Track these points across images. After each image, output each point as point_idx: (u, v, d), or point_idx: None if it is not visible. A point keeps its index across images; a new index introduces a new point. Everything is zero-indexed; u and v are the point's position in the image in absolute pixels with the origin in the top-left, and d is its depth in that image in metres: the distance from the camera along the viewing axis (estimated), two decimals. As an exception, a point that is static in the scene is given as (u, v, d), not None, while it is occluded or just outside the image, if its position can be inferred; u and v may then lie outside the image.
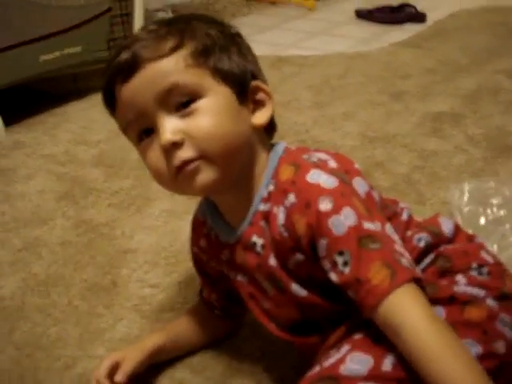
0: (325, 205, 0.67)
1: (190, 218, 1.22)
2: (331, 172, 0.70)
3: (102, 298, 1.05)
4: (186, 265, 1.09)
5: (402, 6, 2.84)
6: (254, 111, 0.74)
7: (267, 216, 0.73)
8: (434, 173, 1.38)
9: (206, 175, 0.70)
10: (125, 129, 0.74)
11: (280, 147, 0.77)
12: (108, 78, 0.73)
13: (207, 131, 0.69)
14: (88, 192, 1.38)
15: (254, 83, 0.74)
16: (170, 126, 0.69)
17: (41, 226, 1.27)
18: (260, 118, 0.75)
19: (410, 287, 0.65)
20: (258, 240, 0.75)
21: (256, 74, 0.76)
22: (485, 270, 0.76)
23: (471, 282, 0.73)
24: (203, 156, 0.69)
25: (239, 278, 0.81)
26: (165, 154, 0.69)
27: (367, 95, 1.85)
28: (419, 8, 2.84)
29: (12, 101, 1.83)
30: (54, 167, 1.51)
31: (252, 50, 0.79)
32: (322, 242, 0.67)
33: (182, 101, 0.69)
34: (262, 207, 0.74)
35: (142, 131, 0.72)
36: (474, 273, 0.75)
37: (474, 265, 0.76)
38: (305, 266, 0.72)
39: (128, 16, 2.00)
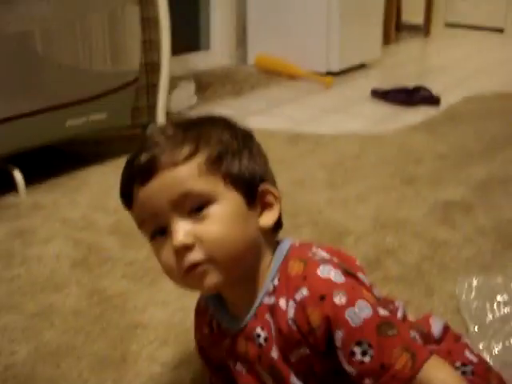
0: (339, 298, 0.70)
1: (202, 295, 1.26)
2: (338, 265, 0.75)
3: (111, 373, 1.06)
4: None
5: (418, 89, 2.92)
6: (261, 213, 0.78)
7: (272, 309, 0.77)
8: (442, 264, 1.40)
9: (213, 278, 0.74)
10: (140, 225, 0.78)
11: (286, 244, 0.81)
12: (126, 178, 0.78)
13: (217, 237, 0.73)
14: (103, 260, 1.41)
15: (263, 187, 0.78)
16: (183, 230, 0.73)
17: (55, 292, 1.29)
18: (267, 220, 0.78)
19: (431, 360, 0.70)
20: (261, 332, 0.78)
21: (265, 177, 0.80)
22: (469, 368, 0.81)
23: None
24: (211, 260, 0.73)
25: (238, 367, 0.83)
26: (176, 255, 0.73)
27: (380, 178, 1.90)
28: (434, 91, 2.92)
29: (33, 159, 1.88)
30: (71, 232, 1.54)
31: (262, 150, 0.84)
32: (339, 334, 0.70)
33: (194, 206, 0.73)
34: (267, 300, 0.77)
35: (156, 230, 0.76)
36: (458, 372, 0.78)
37: (458, 364, 0.81)
38: (307, 360, 0.75)
39: (153, 86, 2.08)
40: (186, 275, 0.74)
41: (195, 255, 0.73)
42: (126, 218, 1.59)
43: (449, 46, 4.78)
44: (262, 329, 0.77)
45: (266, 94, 3.01)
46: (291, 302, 0.74)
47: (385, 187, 1.83)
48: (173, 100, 2.50)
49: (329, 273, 0.73)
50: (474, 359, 0.83)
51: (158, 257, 0.77)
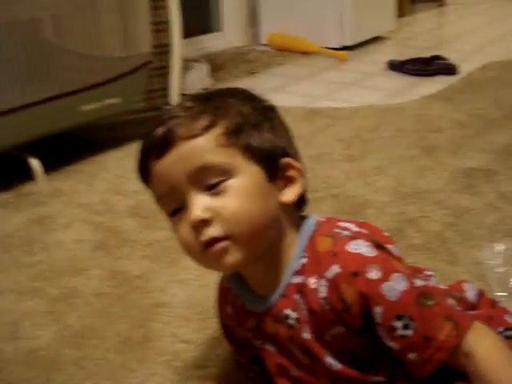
0: (374, 273, 0.68)
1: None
2: (368, 238, 0.73)
3: (135, 352, 1.06)
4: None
5: (434, 58, 2.87)
6: (283, 188, 0.75)
7: (302, 289, 0.74)
8: (466, 231, 1.38)
9: (233, 256, 0.71)
10: (158, 200, 0.76)
11: (311, 221, 0.78)
12: (143, 152, 0.76)
13: (235, 212, 0.70)
14: (123, 243, 1.41)
15: (285, 160, 0.75)
16: (200, 204, 0.71)
17: (76, 276, 1.29)
18: (289, 195, 0.75)
19: (473, 328, 0.69)
20: (291, 313, 0.75)
21: (287, 151, 0.77)
22: (511, 332, 0.78)
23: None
24: (230, 236, 0.70)
25: (268, 347, 0.81)
26: (194, 230, 0.71)
27: (399, 149, 1.87)
28: (451, 60, 2.87)
29: (50, 147, 1.88)
30: (91, 216, 1.54)
31: (285, 124, 0.81)
32: (377, 310, 0.68)
33: (213, 179, 0.71)
34: (295, 280, 0.75)
35: (175, 209, 0.74)
36: (501, 337, 0.76)
37: (501, 329, 0.78)
38: (343, 339, 0.72)
39: (166, 68, 2.06)
40: (205, 252, 0.71)
41: (213, 230, 0.70)
42: (145, 200, 1.60)
43: (464, 15, 4.70)
44: (292, 310, 0.75)
45: (281, 72, 2.98)
46: (322, 281, 0.71)
47: (404, 158, 1.80)
48: (186, 82, 2.48)
49: (359, 247, 0.70)
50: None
51: (176, 233, 0.75)
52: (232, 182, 0.71)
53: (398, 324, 0.67)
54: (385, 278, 0.68)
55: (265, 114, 0.77)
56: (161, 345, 1.08)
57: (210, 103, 0.75)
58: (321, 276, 0.72)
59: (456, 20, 4.56)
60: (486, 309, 0.83)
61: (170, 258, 1.33)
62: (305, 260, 0.74)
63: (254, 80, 2.84)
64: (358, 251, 0.70)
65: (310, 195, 1.56)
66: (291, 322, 0.75)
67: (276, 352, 0.80)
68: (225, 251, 0.71)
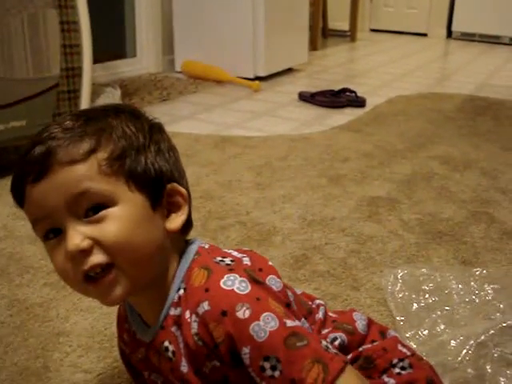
0: (242, 312, 0.66)
1: (127, 299, 1.23)
2: (245, 273, 0.71)
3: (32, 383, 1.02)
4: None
5: (343, 91, 2.96)
6: (168, 214, 0.73)
7: (178, 321, 0.72)
8: (369, 257, 1.42)
9: (116, 288, 0.69)
10: (32, 223, 0.71)
11: (193, 248, 0.76)
12: (18, 173, 0.70)
13: (116, 239, 0.67)
14: (24, 270, 1.36)
15: (170, 186, 0.73)
16: (78, 233, 0.67)
17: (-27, 304, 1.24)
18: (174, 222, 0.73)
19: (345, 373, 0.65)
20: (169, 346, 0.74)
21: (173, 175, 0.75)
22: (406, 363, 0.78)
23: (400, 381, 0.75)
24: (114, 263, 0.68)
25: (153, 377, 0.80)
26: (71, 260, 0.68)
27: (307, 178, 1.91)
28: (359, 93, 2.97)
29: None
30: (-9, 242, 1.48)
31: (173, 144, 0.78)
32: (245, 350, 0.66)
33: (92, 207, 0.68)
34: (173, 311, 0.73)
35: (49, 230, 0.70)
36: (397, 369, 0.77)
37: (395, 360, 0.78)
38: (220, 371, 0.71)
39: (75, 92, 2.03)
40: (85, 282, 0.68)
41: (95, 258, 0.67)
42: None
43: (374, 51, 4.90)
44: (170, 342, 0.73)
45: (194, 100, 2.99)
46: (194, 317, 0.69)
47: (311, 186, 1.84)
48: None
49: (233, 283, 0.68)
50: (408, 352, 0.80)
51: (52, 260, 0.71)
52: (113, 210, 0.68)
53: (267, 365, 0.65)
54: (254, 317, 0.66)
55: (151, 135, 0.74)
56: (60, 375, 1.04)
57: (93, 124, 0.70)
58: (193, 311, 0.70)
59: (366, 55, 4.74)
60: (375, 338, 0.82)
61: (73, 286, 1.29)
62: (182, 292, 0.73)
63: (167, 107, 2.84)
64: (230, 288, 0.68)
65: (218, 222, 1.57)
66: (169, 354, 0.74)
67: (161, 382, 0.79)
68: (111, 282, 0.68)
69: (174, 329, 0.73)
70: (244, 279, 0.69)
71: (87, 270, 0.67)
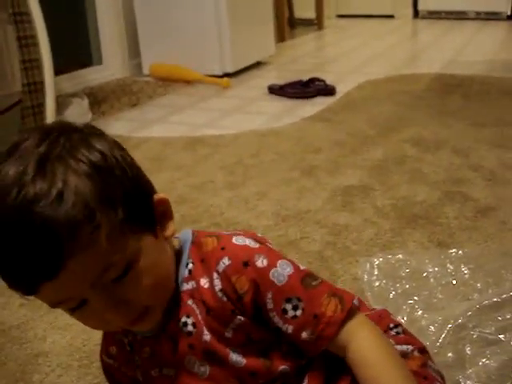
0: (261, 261, 0.71)
1: (103, 314, 1.22)
2: (248, 235, 0.76)
3: (12, 409, 1.01)
4: (100, 365, 1.07)
5: (312, 81, 2.96)
6: (162, 225, 0.73)
7: (193, 293, 0.74)
8: (345, 248, 1.42)
9: (155, 318, 0.73)
10: (52, 306, 0.68)
11: (187, 233, 0.79)
12: (22, 273, 0.62)
13: (150, 292, 0.69)
14: (-1, 292, 1.35)
15: (155, 200, 0.72)
16: (114, 302, 0.66)
17: (-51, 332, 1.22)
18: (169, 229, 0.74)
19: (354, 310, 0.74)
20: (187, 319, 0.75)
21: (149, 186, 0.73)
22: (400, 329, 0.85)
23: (398, 341, 0.81)
24: (149, 306, 0.70)
25: (166, 372, 0.79)
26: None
27: (279, 172, 1.91)
28: (329, 81, 2.97)
29: None
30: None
31: (126, 151, 0.72)
32: (268, 295, 0.71)
33: (117, 275, 0.66)
34: (186, 286, 0.75)
35: (76, 306, 0.67)
36: (393, 332, 0.84)
37: (391, 325, 0.85)
38: (244, 330, 0.73)
39: (40, 107, 2.01)
40: (127, 326, 0.72)
41: (134, 315, 0.69)
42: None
43: (342, 37, 4.90)
44: (188, 316, 0.75)
45: (164, 102, 2.98)
46: (215, 275, 0.72)
47: (285, 181, 1.84)
48: (66, 118, 2.43)
49: (244, 240, 0.74)
50: (398, 321, 0.88)
51: (84, 322, 0.71)
52: (137, 268, 0.67)
53: (288, 306, 0.71)
54: (272, 264, 0.72)
55: (125, 162, 0.68)
56: (40, 397, 1.03)
57: (66, 194, 0.61)
58: (212, 272, 0.73)
59: (334, 42, 4.75)
60: (365, 311, 0.87)
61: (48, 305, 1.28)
62: (191, 266, 0.75)
63: (137, 112, 2.82)
64: (243, 243, 0.73)
65: (192, 225, 1.56)
66: (189, 328, 0.75)
67: (176, 376, 0.78)
68: (149, 319, 0.72)
69: (189, 302, 0.75)
70: (250, 239, 0.75)
71: (131, 321, 0.70)
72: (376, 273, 1.29)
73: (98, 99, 2.97)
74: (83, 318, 0.70)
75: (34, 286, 0.63)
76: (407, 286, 1.24)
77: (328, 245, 1.44)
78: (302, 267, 0.75)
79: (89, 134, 0.69)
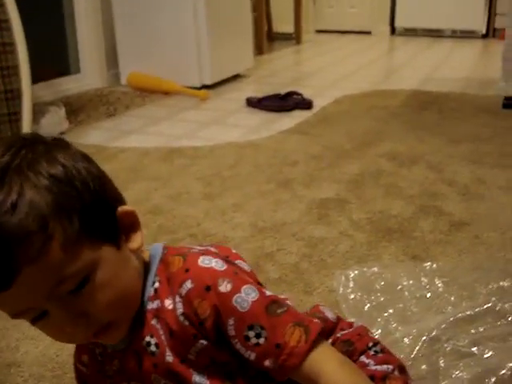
0: (224, 286, 0.70)
1: (77, 324, 1.20)
2: (217, 255, 0.74)
3: (-18, 420, 0.99)
4: (73, 376, 1.05)
5: (290, 94, 2.98)
6: (127, 236, 0.72)
7: (158, 313, 0.74)
8: (321, 260, 1.42)
9: (119, 333, 0.72)
10: (12, 317, 0.68)
11: (158, 248, 0.77)
12: None
13: (110, 306, 0.68)
14: (-29, 301, 1.32)
15: (121, 212, 0.71)
16: (72, 315, 0.66)
17: None
18: (136, 242, 0.73)
19: (320, 340, 0.72)
20: (151, 339, 0.74)
21: (114, 197, 0.72)
22: (378, 348, 0.85)
23: (377, 362, 0.81)
24: (111, 321, 0.69)
25: None
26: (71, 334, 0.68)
27: (256, 185, 1.91)
28: (306, 95, 2.99)
29: None
30: None
31: (94, 162, 0.71)
32: (230, 322, 0.70)
33: (73, 286, 0.65)
34: (151, 305, 0.74)
35: (35, 317, 0.67)
36: (372, 352, 0.83)
37: (370, 344, 0.84)
38: (207, 352, 0.72)
39: (16, 114, 1.99)
40: (91, 338, 0.70)
41: (94, 328, 0.68)
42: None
43: (320, 52, 4.94)
44: (152, 336, 0.74)
45: (141, 113, 2.97)
46: (177, 298, 0.71)
47: (261, 193, 1.84)
48: (42, 127, 2.41)
49: (210, 262, 0.72)
50: (377, 339, 0.87)
51: (47, 333, 0.70)
52: (95, 279, 0.66)
53: (251, 333, 0.69)
54: (235, 289, 0.70)
55: (72, 175, 0.66)
56: (11, 408, 1.02)
57: (20, 203, 0.61)
58: (175, 294, 0.72)
59: (312, 57, 4.78)
60: (344, 327, 0.88)
61: (22, 314, 1.26)
62: (157, 284, 0.74)
63: (114, 122, 2.81)
64: (208, 265, 0.72)
65: (168, 236, 1.56)
66: (152, 348, 0.74)
67: None
68: (113, 333, 0.71)
69: (154, 322, 0.74)
70: (218, 259, 0.73)
71: (93, 333, 0.69)
72: (351, 285, 1.29)
73: (75, 108, 2.96)
74: (46, 329, 0.69)
75: None
76: (382, 299, 1.25)
77: (304, 257, 1.44)
78: (268, 293, 0.72)
79: (54, 145, 0.69)
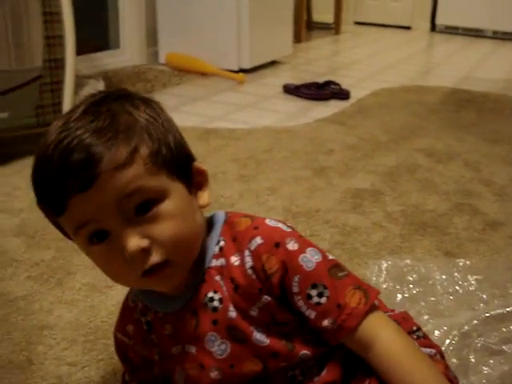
0: (292, 245, 0.73)
1: (111, 292, 1.22)
2: (280, 220, 0.78)
3: (16, 377, 1.01)
4: (106, 342, 1.08)
5: (328, 83, 2.97)
6: (197, 192, 0.76)
7: (222, 270, 0.75)
8: (353, 249, 1.42)
9: (176, 277, 0.73)
10: (75, 230, 0.69)
11: (220, 213, 0.81)
12: (55, 184, 0.66)
13: (173, 237, 0.69)
14: (7, 263, 1.35)
15: (195, 167, 0.75)
16: (135, 232, 0.67)
17: (-45, 298, 1.23)
18: (203, 199, 0.77)
19: (376, 307, 0.76)
20: (214, 295, 0.75)
21: (191, 152, 0.76)
22: (421, 333, 0.87)
23: (421, 345, 0.81)
24: (170, 259, 0.70)
25: (188, 349, 0.78)
26: (130, 260, 0.68)
27: (291, 170, 1.91)
28: (343, 86, 2.98)
29: None
30: (-27, 236, 1.47)
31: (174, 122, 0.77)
32: (295, 279, 0.72)
33: (141, 203, 0.68)
34: (215, 263, 0.76)
35: (94, 233, 0.69)
36: (415, 336, 0.85)
37: (414, 328, 0.86)
38: (269, 309, 0.74)
39: (58, 84, 2.01)
40: (144, 277, 0.70)
41: (154, 258, 0.68)
42: (31, 219, 1.54)
43: (358, 44, 4.90)
44: (215, 291, 0.75)
45: (178, 92, 2.98)
46: (246, 252, 0.74)
47: (296, 178, 1.84)
48: (80, 99, 2.43)
49: (276, 223, 0.76)
50: (419, 325, 0.89)
51: (101, 263, 0.71)
52: (164, 206, 0.69)
53: (314, 292, 0.72)
54: (301, 250, 0.73)
55: (165, 116, 0.73)
56: (44, 368, 1.03)
57: (119, 120, 0.68)
58: (243, 250, 0.74)
59: (350, 48, 4.75)
60: (386, 310, 0.89)
61: (56, 279, 1.28)
62: (222, 243, 0.76)
63: (151, 99, 2.82)
64: (276, 225, 0.76)
65: (202, 214, 1.56)
66: (215, 303, 0.75)
67: (196, 353, 0.78)
68: (165, 275, 0.71)
69: (218, 278, 0.76)
70: (282, 223, 0.77)
71: (147, 269, 0.69)
72: (384, 275, 1.29)
73: (113, 83, 2.97)
74: (100, 256, 0.70)
75: (65, 200, 0.66)
76: (414, 291, 1.25)
77: (337, 244, 1.44)
78: (330, 257, 0.76)
79: (147, 99, 0.75)
